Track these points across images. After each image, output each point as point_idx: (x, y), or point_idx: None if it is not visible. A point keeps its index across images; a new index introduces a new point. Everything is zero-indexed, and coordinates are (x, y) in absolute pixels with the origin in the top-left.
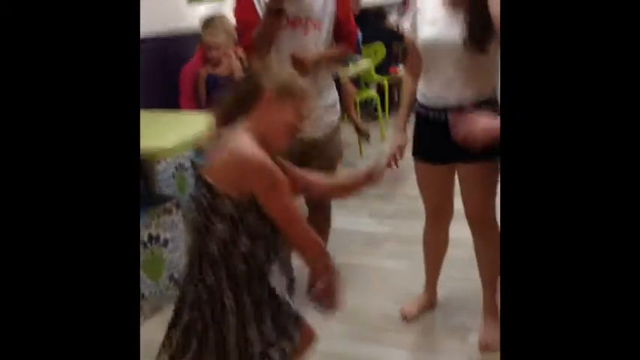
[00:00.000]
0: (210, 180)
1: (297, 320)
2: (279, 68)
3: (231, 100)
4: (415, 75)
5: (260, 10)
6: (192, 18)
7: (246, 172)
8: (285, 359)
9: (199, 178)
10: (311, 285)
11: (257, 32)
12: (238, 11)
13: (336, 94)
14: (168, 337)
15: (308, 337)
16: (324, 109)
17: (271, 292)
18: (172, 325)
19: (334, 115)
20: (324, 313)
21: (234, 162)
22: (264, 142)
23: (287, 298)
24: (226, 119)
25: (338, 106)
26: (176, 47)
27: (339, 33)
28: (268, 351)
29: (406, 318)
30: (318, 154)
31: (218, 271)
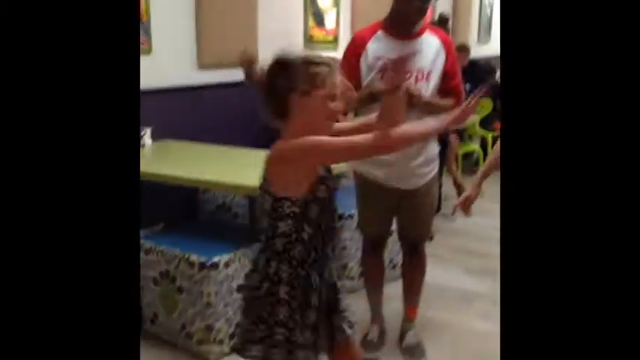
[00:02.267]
0: (271, 188)
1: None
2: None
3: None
4: None
5: (364, 70)
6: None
7: (286, 160)
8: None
9: (262, 189)
10: (401, 336)
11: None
12: (342, 68)
13: (437, 146)
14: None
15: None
16: (424, 160)
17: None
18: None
19: (433, 167)
20: None
21: (276, 160)
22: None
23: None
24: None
25: (438, 158)
26: None
27: (446, 86)
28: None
29: None
30: (415, 204)
31: (280, 262)
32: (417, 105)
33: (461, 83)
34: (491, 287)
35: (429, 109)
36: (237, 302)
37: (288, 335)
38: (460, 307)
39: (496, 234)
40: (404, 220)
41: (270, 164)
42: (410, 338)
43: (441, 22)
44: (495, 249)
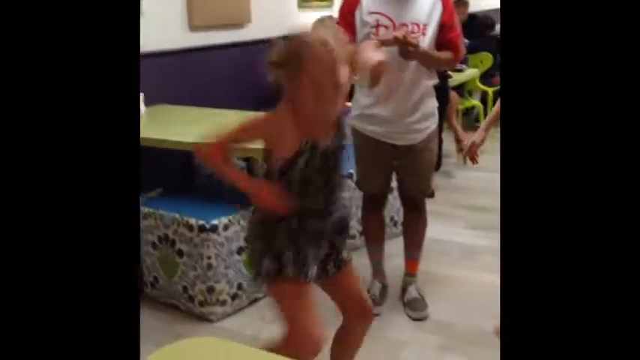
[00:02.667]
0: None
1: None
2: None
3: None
4: None
5: (358, 26)
6: (303, 23)
7: None
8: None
9: None
10: (403, 291)
11: None
12: (338, 26)
13: (435, 102)
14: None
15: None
16: (421, 116)
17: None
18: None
19: (431, 123)
20: (416, 319)
21: None
22: (305, 122)
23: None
24: None
25: (436, 114)
26: None
27: (443, 39)
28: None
29: (499, 334)
30: (413, 160)
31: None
32: (414, 55)
33: (460, 36)
34: (492, 241)
35: (426, 60)
36: (237, 264)
37: (293, 253)
38: (462, 261)
39: (496, 189)
40: (403, 176)
41: None
42: (411, 292)
43: None
44: (495, 203)
